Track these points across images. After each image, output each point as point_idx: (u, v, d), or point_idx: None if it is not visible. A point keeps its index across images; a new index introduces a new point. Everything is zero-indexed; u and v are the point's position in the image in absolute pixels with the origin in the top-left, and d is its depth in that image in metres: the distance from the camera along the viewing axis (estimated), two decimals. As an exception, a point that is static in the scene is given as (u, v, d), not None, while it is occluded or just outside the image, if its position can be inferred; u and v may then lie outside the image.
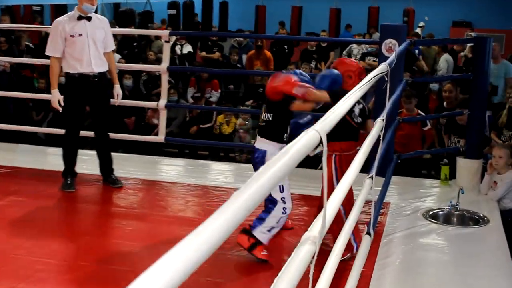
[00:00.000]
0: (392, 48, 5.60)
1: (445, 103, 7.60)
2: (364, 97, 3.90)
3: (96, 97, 5.27)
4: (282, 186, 3.84)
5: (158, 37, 12.06)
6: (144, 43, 12.71)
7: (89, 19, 5.21)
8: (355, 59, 11.71)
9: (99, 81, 5.24)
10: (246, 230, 3.85)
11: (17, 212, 4.74)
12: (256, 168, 3.87)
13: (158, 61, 10.18)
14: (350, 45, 12.03)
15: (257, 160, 3.91)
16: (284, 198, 3.85)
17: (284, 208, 3.85)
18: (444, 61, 10.87)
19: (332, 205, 2.09)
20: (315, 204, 4.60)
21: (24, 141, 7.77)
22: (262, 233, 3.84)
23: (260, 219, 3.86)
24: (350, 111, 3.77)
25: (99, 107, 5.37)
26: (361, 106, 3.94)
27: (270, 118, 3.91)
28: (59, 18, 5.26)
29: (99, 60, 5.26)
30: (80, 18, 5.19)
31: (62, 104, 5.21)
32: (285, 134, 3.92)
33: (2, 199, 5.03)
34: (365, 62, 11.23)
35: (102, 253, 4.05)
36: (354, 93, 2.57)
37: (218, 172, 6.20)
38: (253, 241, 3.84)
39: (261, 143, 3.93)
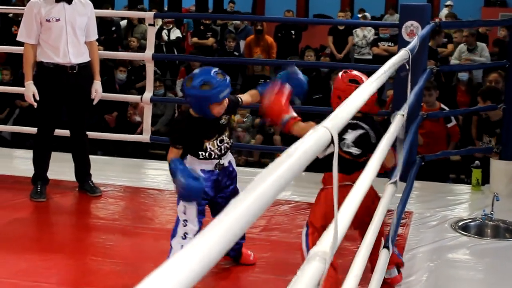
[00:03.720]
0: (414, 32, 5.61)
1: None
2: (382, 89, 3.86)
3: (73, 91, 5.27)
4: (186, 207, 3.72)
5: (142, 21, 12.06)
6: (126, 27, 12.72)
7: (69, 2, 5.20)
8: (367, 43, 11.74)
9: (77, 73, 5.24)
10: None
11: (-22, 225, 4.75)
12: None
13: (142, 48, 10.19)
14: (354, 30, 12.00)
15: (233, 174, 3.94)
16: (186, 220, 3.74)
17: (185, 233, 3.74)
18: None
19: (345, 214, 2.09)
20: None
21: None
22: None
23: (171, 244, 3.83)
24: (339, 138, 3.62)
25: (77, 103, 5.37)
26: (361, 132, 3.65)
27: None
28: None
29: (79, 49, 5.25)
30: (58, 0, 5.19)
31: (38, 98, 5.21)
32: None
33: (-39, 210, 5.03)
34: (379, 48, 11.25)
35: (78, 273, 4.06)
36: (368, 85, 2.57)
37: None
38: None
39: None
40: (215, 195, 3.83)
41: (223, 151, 3.78)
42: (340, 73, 3.77)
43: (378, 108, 4.01)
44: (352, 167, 3.58)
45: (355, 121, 3.59)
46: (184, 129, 3.67)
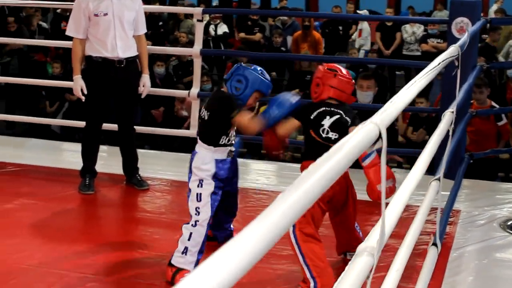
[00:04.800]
0: (464, 28, 5.55)
1: None
2: (431, 86, 3.86)
3: (121, 85, 5.32)
4: (200, 194, 3.80)
5: (188, 16, 12.13)
6: (172, 22, 12.80)
7: None
8: (416, 39, 11.64)
9: (125, 67, 5.29)
10: (169, 261, 3.89)
11: (28, 216, 4.83)
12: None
13: (188, 43, 10.25)
14: (403, 26, 11.91)
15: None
16: (198, 208, 3.80)
17: (195, 221, 3.79)
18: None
19: (393, 211, 2.09)
20: (368, 211, 4.59)
21: (35, 135, 7.91)
22: (178, 259, 3.83)
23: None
24: (318, 125, 3.74)
25: (124, 97, 5.42)
26: (336, 117, 3.76)
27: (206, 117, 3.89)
28: None
29: (127, 43, 5.30)
30: None
31: (86, 92, 5.28)
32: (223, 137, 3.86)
33: (11, 202, 5.12)
34: (428, 44, 11.15)
35: (125, 265, 4.10)
36: (417, 82, 2.56)
37: (259, 173, 6.21)
38: (174, 270, 3.85)
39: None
40: (227, 183, 3.95)
41: (233, 140, 3.90)
42: (320, 66, 3.96)
43: (354, 99, 4.15)
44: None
45: (331, 109, 3.77)
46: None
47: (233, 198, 4.15)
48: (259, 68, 3.87)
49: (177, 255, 3.83)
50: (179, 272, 3.82)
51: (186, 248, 3.80)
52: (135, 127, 5.62)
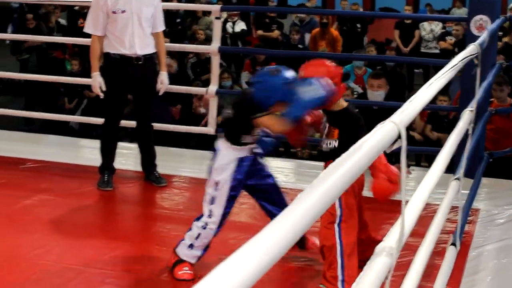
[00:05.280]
0: (483, 26, 5.52)
1: None
2: (449, 84, 3.85)
3: (139, 82, 5.34)
4: (215, 197, 3.80)
5: (206, 13, 12.14)
6: (190, 19, 12.81)
7: None
8: (434, 37, 11.59)
9: (143, 64, 5.30)
10: (175, 247, 3.92)
11: (47, 212, 4.86)
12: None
13: (206, 40, 10.26)
14: (421, 23, 11.85)
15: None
16: (211, 211, 3.80)
17: (206, 223, 3.80)
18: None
19: (412, 210, 2.08)
20: (387, 209, 4.57)
21: (54, 132, 7.94)
22: (184, 250, 3.85)
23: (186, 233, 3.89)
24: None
25: (142, 94, 5.44)
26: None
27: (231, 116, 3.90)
28: None
29: (144, 41, 5.31)
30: None
31: (104, 89, 5.30)
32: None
33: (30, 198, 5.15)
34: (446, 42, 11.10)
35: (143, 262, 4.12)
36: (436, 80, 2.55)
37: (277, 170, 6.16)
38: (175, 259, 3.87)
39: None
40: (250, 181, 3.93)
41: (257, 139, 3.90)
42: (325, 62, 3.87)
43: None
44: (326, 156, 3.77)
45: None
46: None
47: (273, 191, 4.05)
48: (285, 74, 3.68)
49: (183, 247, 3.85)
50: (181, 263, 3.85)
51: (192, 245, 3.84)
52: (152, 124, 5.64)
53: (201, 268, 3.81)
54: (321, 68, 3.66)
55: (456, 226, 3.85)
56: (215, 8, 6.62)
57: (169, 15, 11.63)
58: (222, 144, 3.84)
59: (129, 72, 5.27)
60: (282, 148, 9.31)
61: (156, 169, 5.60)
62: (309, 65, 3.71)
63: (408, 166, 5.97)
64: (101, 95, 5.30)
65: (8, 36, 10.50)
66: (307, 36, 11.91)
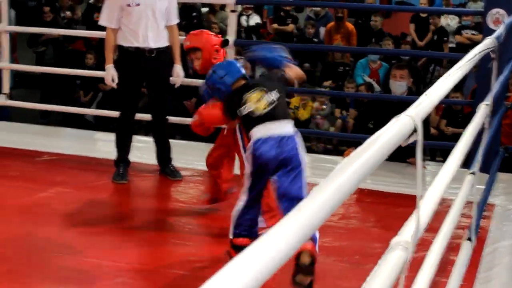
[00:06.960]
0: (500, 20, 5.48)
1: None
2: (465, 79, 3.81)
3: (152, 75, 5.35)
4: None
5: (222, 7, 12.13)
6: (207, 12, 12.80)
7: None
8: (450, 31, 11.51)
9: (156, 57, 5.31)
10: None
11: (62, 205, 4.88)
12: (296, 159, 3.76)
13: (221, 34, 10.24)
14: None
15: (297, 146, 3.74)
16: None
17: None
18: None
19: (428, 204, 2.07)
20: (402, 204, 4.56)
21: (70, 125, 7.97)
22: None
23: None
24: None
25: (156, 87, 5.45)
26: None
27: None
28: None
29: (158, 34, 5.32)
30: None
31: (116, 81, 5.31)
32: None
33: (46, 190, 5.18)
34: (462, 36, 11.02)
35: (157, 255, 4.13)
36: (453, 74, 2.53)
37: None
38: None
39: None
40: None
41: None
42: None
43: None
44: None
45: None
46: None
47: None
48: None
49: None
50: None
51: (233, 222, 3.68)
52: (167, 117, 5.64)
53: (212, 264, 3.83)
54: (202, 36, 4.47)
55: (471, 221, 3.83)
56: (230, 1, 6.61)
57: (184, 8, 11.64)
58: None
59: (141, 65, 5.28)
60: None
61: (171, 163, 5.61)
62: (191, 34, 4.50)
63: (424, 160, 5.94)
64: (115, 86, 5.31)
65: (26, 29, 10.49)
66: (322, 30, 11.86)
